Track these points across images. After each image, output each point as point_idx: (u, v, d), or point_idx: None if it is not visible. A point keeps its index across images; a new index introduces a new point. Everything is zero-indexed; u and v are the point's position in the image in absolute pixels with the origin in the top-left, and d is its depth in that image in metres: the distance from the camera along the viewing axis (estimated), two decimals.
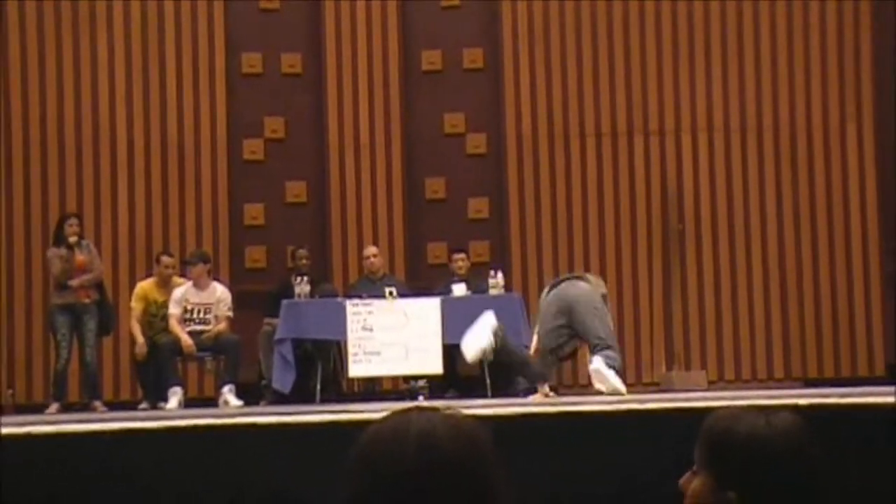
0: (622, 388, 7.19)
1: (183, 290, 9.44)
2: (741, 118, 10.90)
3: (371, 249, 10.26)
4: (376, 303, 9.01)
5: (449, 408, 1.65)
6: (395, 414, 1.62)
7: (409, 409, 1.63)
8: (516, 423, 4.04)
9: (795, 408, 3.98)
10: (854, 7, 10.88)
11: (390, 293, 9.18)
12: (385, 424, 1.60)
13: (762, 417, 2.00)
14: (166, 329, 9.36)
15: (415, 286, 10.23)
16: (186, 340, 9.18)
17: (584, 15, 10.99)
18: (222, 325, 9.36)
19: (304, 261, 10.18)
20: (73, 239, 9.28)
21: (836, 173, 10.80)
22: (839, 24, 10.89)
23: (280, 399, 8.95)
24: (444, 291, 9.44)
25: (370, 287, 9.75)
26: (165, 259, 9.74)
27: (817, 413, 4.01)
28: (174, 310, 9.32)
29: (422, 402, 7.24)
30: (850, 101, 10.86)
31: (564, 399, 7.16)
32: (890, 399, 4.17)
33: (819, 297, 10.73)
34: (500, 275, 9.45)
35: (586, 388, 9.74)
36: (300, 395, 9.02)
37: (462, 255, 10.18)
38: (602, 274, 10.80)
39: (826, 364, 10.65)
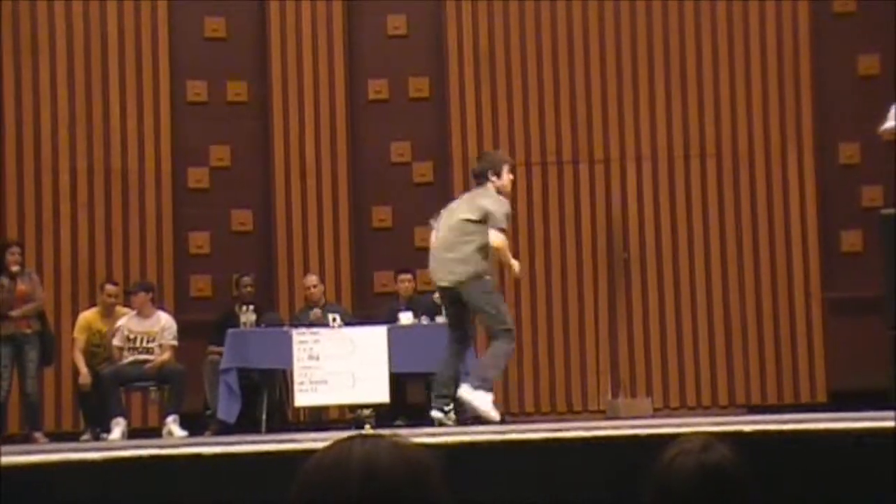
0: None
1: (125, 319, 9.36)
2: (684, 145, 11.01)
3: (311, 279, 10.21)
4: (323, 331, 8.98)
5: (395, 435, 1.64)
6: (339, 442, 1.61)
7: (353, 437, 1.61)
8: (463, 451, 4.03)
9: (739, 434, 4.02)
10: (794, 35, 11.06)
11: (333, 319, 9.15)
12: (328, 452, 1.59)
13: (695, 455, 2.04)
14: (110, 359, 9.27)
15: (361, 314, 10.21)
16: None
17: (528, 44, 11.07)
18: (166, 355, 9.28)
19: (248, 288, 10.14)
20: (15, 268, 9.17)
21: (778, 199, 10.94)
22: (779, 52, 11.06)
23: (225, 429, 8.87)
24: (390, 318, 9.43)
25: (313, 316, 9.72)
26: (108, 287, 9.65)
27: (760, 439, 4.05)
28: (117, 342, 9.28)
29: (368, 430, 7.21)
30: (790, 128, 11.02)
31: (512, 427, 7.17)
32: (830, 425, 4.22)
33: (762, 325, 10.83)
34: None
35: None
36: (245, 424, 8.96)
37: (408, 276, 10.15)
38: (547, 301, 10.87)
39: (769, 391, 10.75)
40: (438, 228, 7.52)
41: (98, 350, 9.39)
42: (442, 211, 7.61)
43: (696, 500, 1.99)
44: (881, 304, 8.32)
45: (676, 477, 2.01)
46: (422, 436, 4.41)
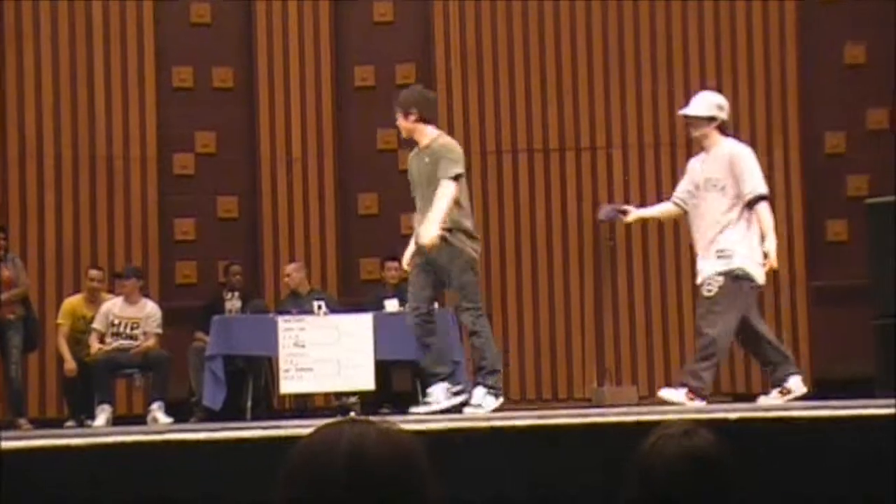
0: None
1: (109, 304, 9.34)
2: (670, 134, 11.02)
3: (288, 267, 10.22)
4: (308, 318, 8.97)
5: (383, 421, 1.64)
6: (327, 426, 1.61)
7: (341, 422, 1.62)
8: (449, 438, 4.04)
9: (724, 422, 4.03)
10: (780, 24, 11.07)
11: (318, 307, 9.15)
12: (317, 436, 1.59)
13: (677, 439, 2.05)
14: None
15: (347, 302, 10.20)
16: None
17: (515, 32, 11.06)
18: (151, 342, 9.26)
19: (237, 276, 10.14)
20: None
21: None
22: (765, 40, 11.08)
23: (210, 416, 8.86)
24: (376, 306, 9.43)
25: (298, 303, 9.71)
26: (92, 272, 9.64)
27: (744, 427, 4.06)
28: (98, 326, 9.25)
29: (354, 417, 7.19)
30: (776, 117, 11.03)
31: (497, 414, 7.18)
32: (814, 413, 4.24)
33: None
34: None
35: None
36: (231, 411, 8.95)
37: (395, 264, 10.15)
38: (533, 289, 10.87)
39: (754, 379, 10.78)
40: None
41: (83, 336, 9.36)
42: None
43: (678, 484, 2.00)
44: (866, 294, 8.36)
45: (659, 461, 2.02)
46: (407, 423, 4.42)
